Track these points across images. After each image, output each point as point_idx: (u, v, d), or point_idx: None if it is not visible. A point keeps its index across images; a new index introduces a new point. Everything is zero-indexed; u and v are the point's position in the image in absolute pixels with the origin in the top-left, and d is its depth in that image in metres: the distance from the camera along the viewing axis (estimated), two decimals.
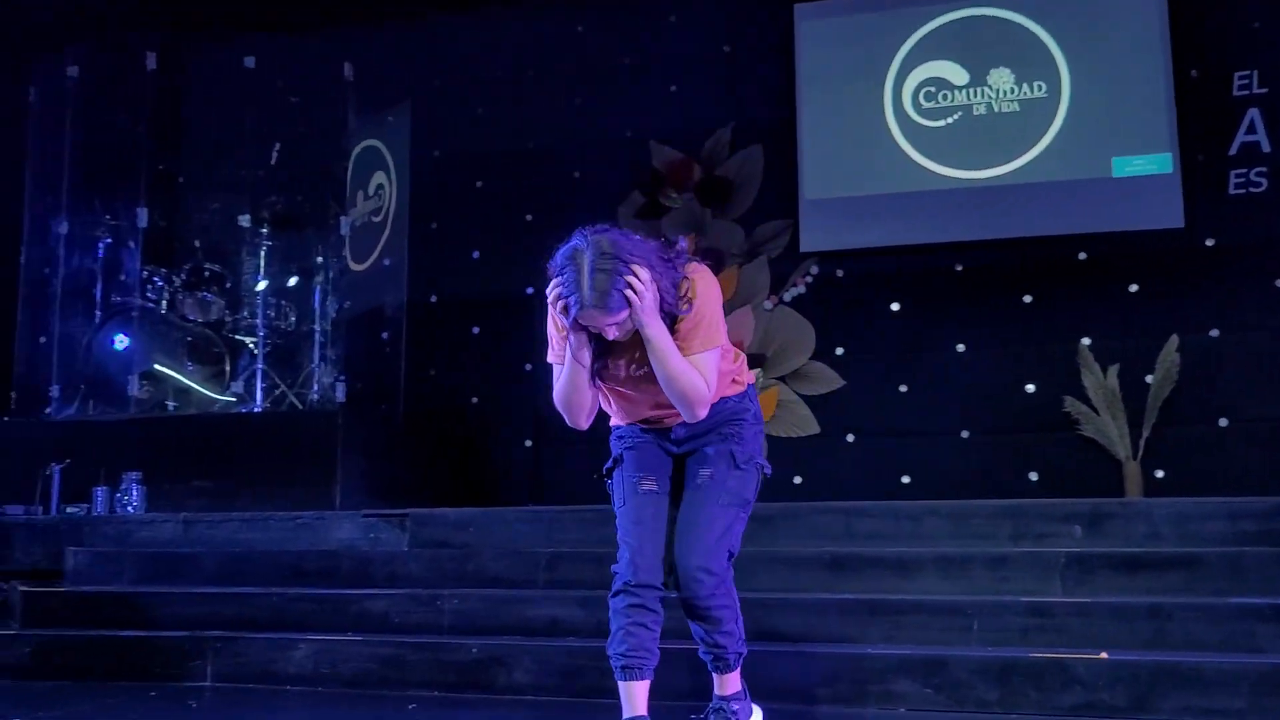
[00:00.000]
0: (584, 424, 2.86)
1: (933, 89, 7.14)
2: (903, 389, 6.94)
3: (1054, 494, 6.35)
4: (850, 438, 7.00)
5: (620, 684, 2.78)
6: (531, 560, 4.34)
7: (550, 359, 2.88)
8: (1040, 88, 6.97)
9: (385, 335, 7.62)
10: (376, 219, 8.03)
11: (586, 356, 2.69)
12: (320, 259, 6.77)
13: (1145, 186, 6.72)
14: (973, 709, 3.31)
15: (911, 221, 7.02)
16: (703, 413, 2.68)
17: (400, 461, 6.22)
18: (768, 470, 2.88)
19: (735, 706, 2.95)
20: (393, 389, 7.34)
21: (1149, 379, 6.51)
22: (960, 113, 7.09)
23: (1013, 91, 7.01)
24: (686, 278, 2.69)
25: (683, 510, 2.77)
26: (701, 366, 2.65)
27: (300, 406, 6.33)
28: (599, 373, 2.74)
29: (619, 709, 2.83)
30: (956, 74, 7.12)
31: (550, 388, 2.88)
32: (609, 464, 2.97)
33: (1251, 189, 6.58)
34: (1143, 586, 3.72)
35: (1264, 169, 6.57)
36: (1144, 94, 6.78)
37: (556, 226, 7.89)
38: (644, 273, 2.57)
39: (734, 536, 2.77)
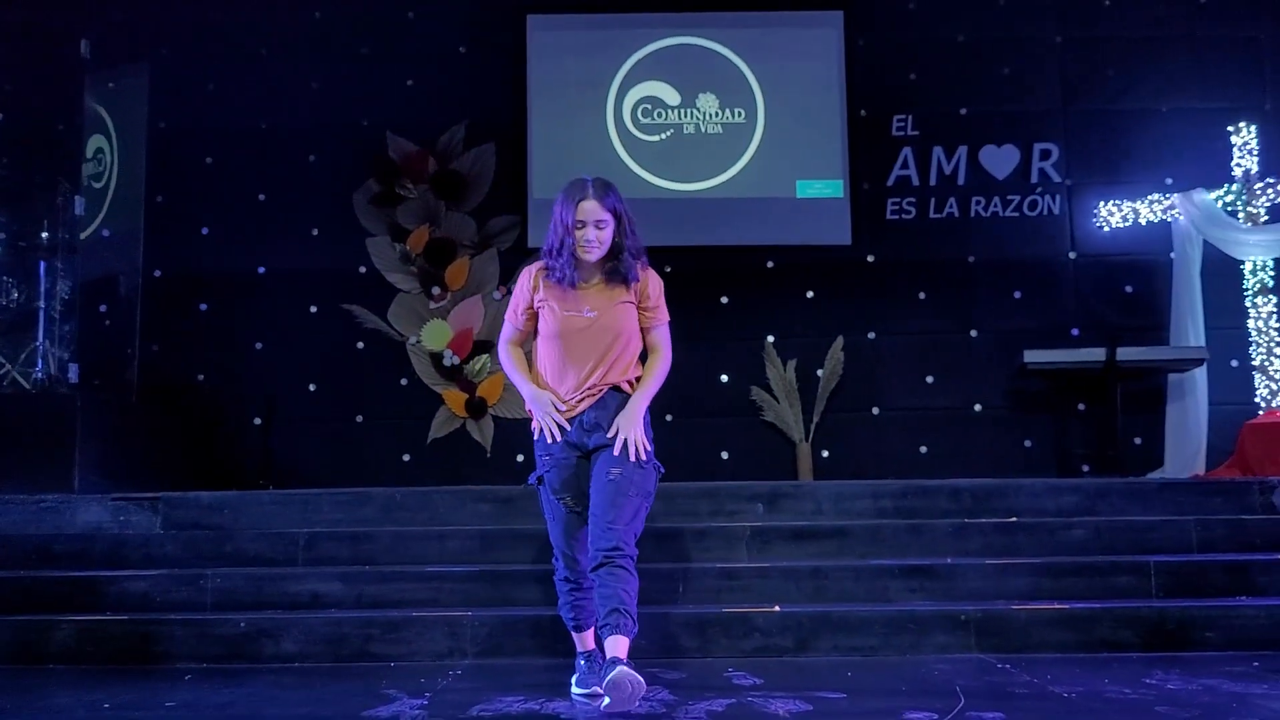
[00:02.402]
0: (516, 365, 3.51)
1: (649, 106, 7.94)
2: None
3: (742, 470, 7.38)
4: None
5: (574, 635, 3.52)
6: (290, 540, 4.73)
7: (508, 316, 3.53)
8: (740, 114, 7.94)
9: (110, 310, 7.55)
10: (98, 185, 7.89)
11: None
12: (46, 234, 6.66)
13: (822, 207, 7.85)
14: (678, 655, 4.09)
15: None
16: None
17: (137, 443, 6.31)
18: (661, 470, 3.43)
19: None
20: (124, 368, 7.33)
21: (819, 372, 7.66)
22: (672, 130, 7.94)
23: (717, 115, 7.93)
24: (647, 273, 3.45)
25: (595, 502, 3.28)
26: (662, 340, 3.47)
27: (27, 386, 6.27)
28: (560, 312, 3.32)
29: (379, 671, 3.68)
30: (670, 94, 7.96)
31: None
32: (536, 476, 3.47)
33: (904, 215, 7.85)
34: (808, 552, 4.66)
35: (913, 199, 7.85)
36: (823, 127, 7.90)
37: (290, 207, 8.19)
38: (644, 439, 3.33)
39: (639, 522, 3.33)
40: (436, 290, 7.81)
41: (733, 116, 7.94)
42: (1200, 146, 7.59)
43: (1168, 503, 4.91)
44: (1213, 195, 7.34)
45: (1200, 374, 7.27)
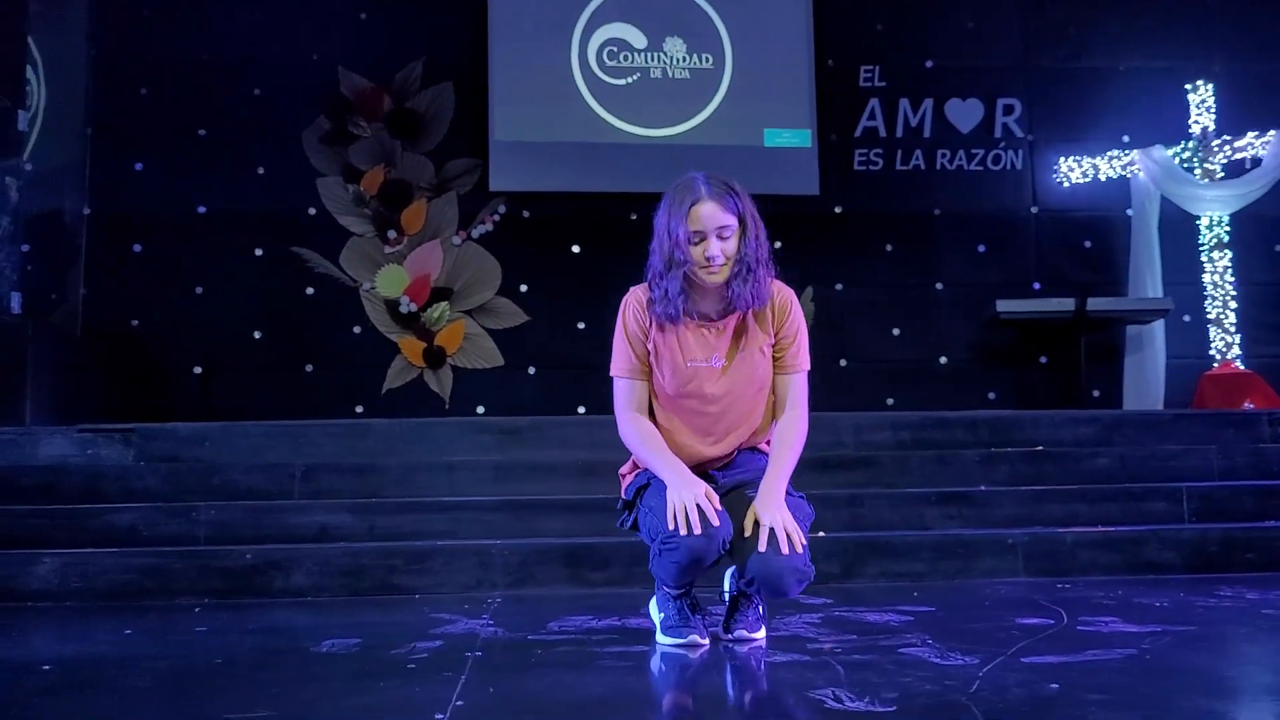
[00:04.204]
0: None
1: (615, 49, 7.71)
2: (581, 325, 7.51)
3: None
4: (532, 370, 7.47)
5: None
6: (284, 472, 4.38)
7: (619, 370, 2.71)
8: (708, 60, 7.77)
9: (45, 245, 6.97)
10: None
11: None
12: None
13: (789, 157, 7.75)
14: (716, 581, 3.90)
15: (593, 170, 7.58)
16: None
17: (89, 379, 5.84)
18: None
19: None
20: (66, 301, 6.77)
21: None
22: (639, 74, 7.73)
23: (685, 60, 7.75)
24: (777, 288, 2.67)
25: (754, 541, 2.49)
26: (797, 391, 2.66)
27: None
28: (680, 362, 2.61)
29: (406, 604, 3.37)
30: (637, 38, 7.74)
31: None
32: (631, 490, 2.71)
33: (871, 167, 7.80)
34: (837, 481, 4.53)
35: (880, 151, 7.81)
36: (791, 76, 7.79)
37: (233, 144, 7.71)
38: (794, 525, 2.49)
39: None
40: (392, 234, 7.44)
41: (700, 62, 7.77)
42: (1157, 105, 7.73)
43: (1183, 434, 4.94)
44: (1170, 152, 7.48)
45: (1158, 327, 7.42)
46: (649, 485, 2.62)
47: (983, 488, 4.45)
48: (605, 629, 2.96)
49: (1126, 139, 7.73)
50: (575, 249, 7.58)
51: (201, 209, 7.36)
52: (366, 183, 7.46)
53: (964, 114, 7.85)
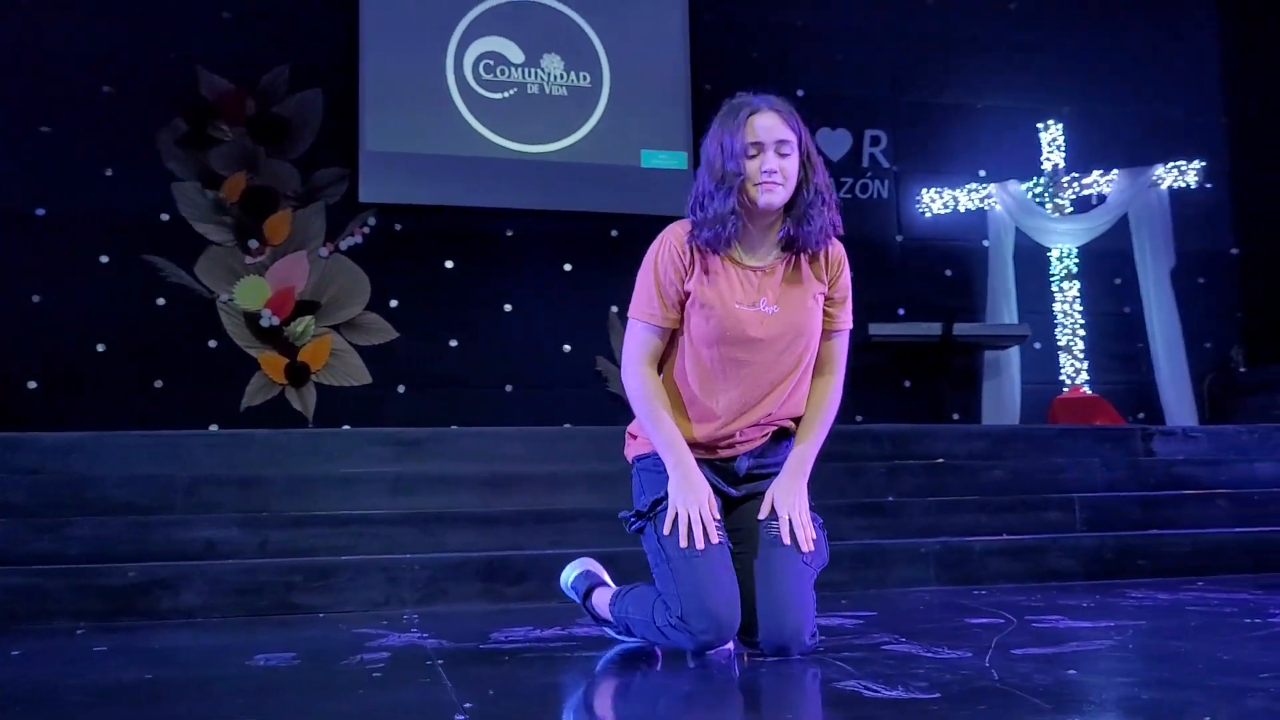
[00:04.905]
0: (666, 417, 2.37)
1: (491, 62, 7.56)
2: (454, 343, 7.27)
3: None
4: (401, 388, 7.18)
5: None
6: (165, 485, 4.02)
7: (640, 314, 2.43)
8: (585, 78, 7.71)
9: None
10: None
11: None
12: None
13: (666, 178, 7.75)
14: None
15: (468, 184, 7.38)
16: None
17: None
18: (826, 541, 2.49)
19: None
20: None
21: None
22: (516, 89, 7.59)
23: (562, 77, 7.67)
24: (837, 236, 2.44)
25: (762, 571, 2.30)
26: (840, 352, 2.49)
27: None
28: (727, 303, 2.34)
29: (312, 623, 3.11)
30: (514, 52, 7.61)
31: None
32: (645, 503, 2.41)
33: None
34: None
35: None
36: (669, 98, 7.81)
37: (79, 143, 7.17)
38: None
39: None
40: (254, 244, 7.04)
41: (578, 80, 7.70)
42: (1012, 142, 8.10)
43: (1067, 448, 5.12)
44: (1024, 187, 7.86)
45: (1014, 352, 7.74)
46: (666, 501, 2.35)
47: (891, 498, 4.49)
48: (559, 637, 2.80)
49: (983, 173, 8.07)
50: (449, 264, 7.36)
51: (40, 211, 6.79)
52: (227, 189, 7.04)
53: (834, 143, 8.04)
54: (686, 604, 2.23)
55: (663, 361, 2.49)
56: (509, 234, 7.48)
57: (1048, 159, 7.90)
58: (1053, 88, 8.27)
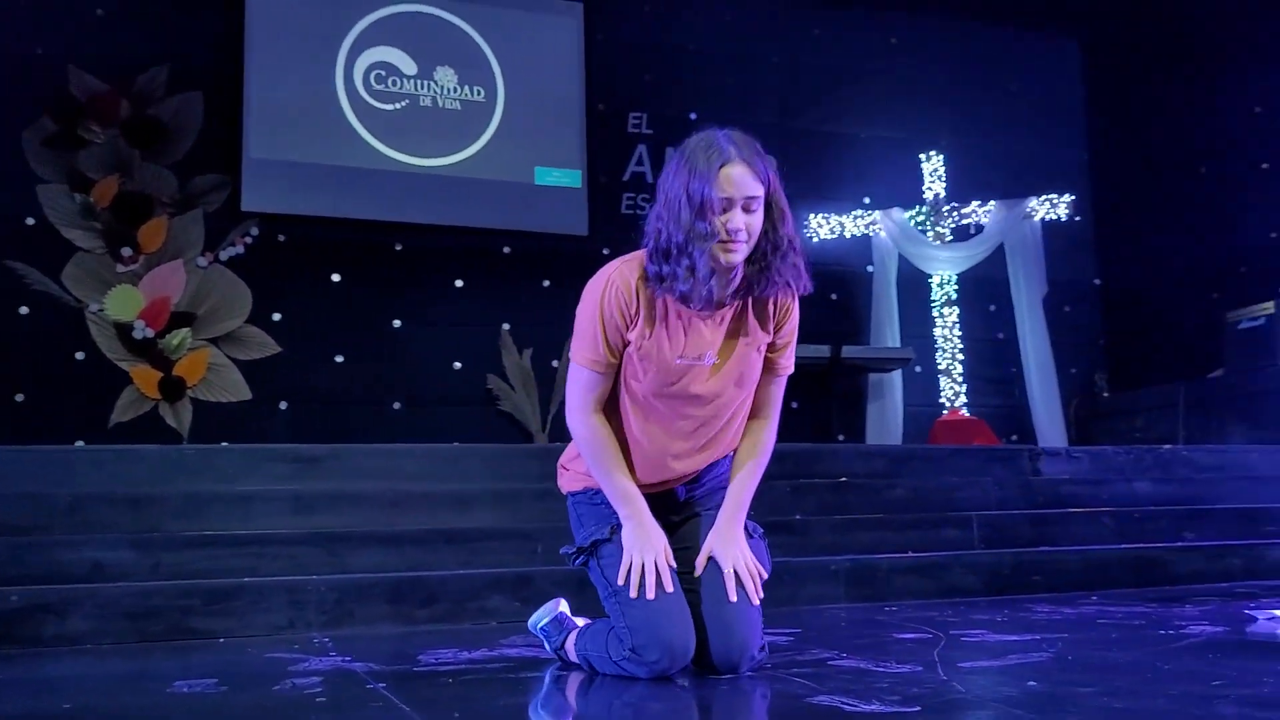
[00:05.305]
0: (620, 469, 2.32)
1: (383, 72, 7.40)
2: (339, 359, 7.06)
3: None
4: (284, 405, 6.92)
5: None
6: (47, 503, 3.75)
7: (584, 360, 2.31)
8: (479, 92, 7.62)
9: None
10: None
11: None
12: None
13: (560, 196, 7.71)
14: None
15: (357, 196, 7.19)
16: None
17: None
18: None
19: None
20: None
21: (554, 363, 7.46)
22: (408, 100, 7.45)
23: (456, 90, 7.56)
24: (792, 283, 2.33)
25: (709, 585, 2.27)
26: (778, 396, 2.44)
27: None
28: (667, 358, 2.25)
29: (213, 648, 2.94)
30: (406, 64, 7.47)
31: None
32: (589, 538, 2.37)
33: (639, 211, 7.90)
34: None
35: (648, 196, 7.93)
36: (564, 116, 7.78)
37: None
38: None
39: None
40: (127, 252, 6.69)
41: (472, 94, 7.60)
42: (895, 170, 8.34)
43: (960, 467, 5.25)
44: (907, 215, 8.10)
45: (897, 376, 7.94)
46: (610, 540, 2.33)
47: (798, 517, 4.52)
48: (493, 658, 2.71)
49: (868, 200, 8.28)
50: (335, 277, 7.14)
51: None
52: (98, 193, 6.68)
53: None
54: (638, 636, 2.20)
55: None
56: (398, 248, 7.31)
57: (929, 188, 8.16)
58: (933, 120, 8.56)
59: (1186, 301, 8.33)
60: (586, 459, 2.37)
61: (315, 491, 4.15)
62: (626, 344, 2.28)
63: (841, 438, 7.94)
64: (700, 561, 2.30)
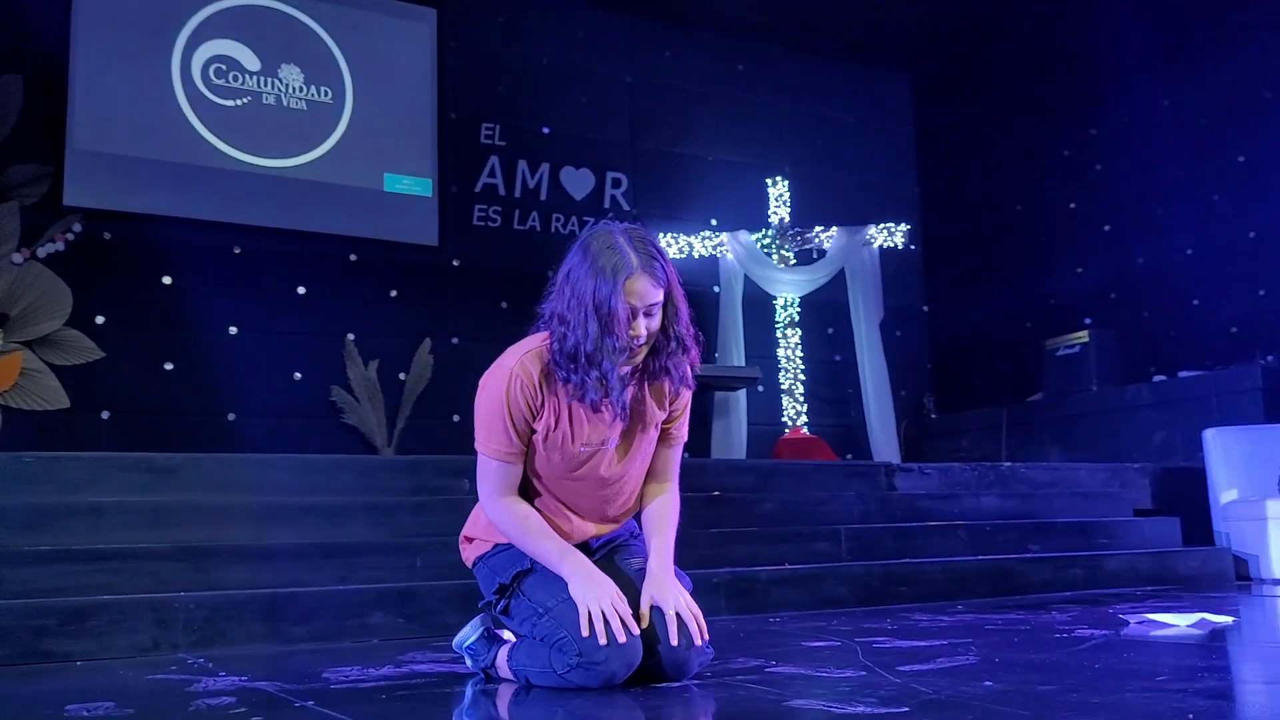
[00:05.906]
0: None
1: (224, 67, 7.03)
2: (169, 366, 6.62)
3: None
4: (106, 414, 6.43)
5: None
6: None
7: (494, 453, 2.29)
8: (327, 93, 7.34)
9: None
10: None
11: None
12: None
13: (410, 204, 7.50)
14: (440, 632, 3.56)
15: (193, 195, 6.79)
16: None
17: None
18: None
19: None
20: None
21: (403, 376, 7.23)
22: (250, 97, 7.10)
23: (302, 90, 7.25)
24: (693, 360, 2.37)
25: (647, 594, 2.28)
26: (676, 463, 2.51)
27: None
28: (571, 445, 2.30)
29: (70, 671, 2.84)
30: (249, 59, 7.12)
31: None
32: (506, 578, 2.35)
33: (490, 223, 7.78)
34: None
35: (499, 208, 7.83)
36: (415, 123, 7.59)
37: None
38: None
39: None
40: None
41: (319, 95, 7.31)
42: (742, 194, 8.51)
43: (822, 482, 5.36)
44: (753, 237, 8.28)
45: (742, 394, 8.07)
46: (531, 571, 2.31)
47: None
48: (407, 675, 2.56)
49: (715, 222, 8.42)
50: (166, 280, 6.70)
51: None
52: None
53: (577, 182, 8.11)
54: (583, 642, 2.16)
55: None
56: (237, 251, 6.94)
57: (775, 213, 8.37)
58: (779, 146, 8.81)
59: (1007, 329, 8.85)
60: (513, 539, 2.35)
61: (177, 503, 3.85)
62: (533, 431, 2.30)
63: (686, 455, 7.98)
64: (644, 612, 2.25)
